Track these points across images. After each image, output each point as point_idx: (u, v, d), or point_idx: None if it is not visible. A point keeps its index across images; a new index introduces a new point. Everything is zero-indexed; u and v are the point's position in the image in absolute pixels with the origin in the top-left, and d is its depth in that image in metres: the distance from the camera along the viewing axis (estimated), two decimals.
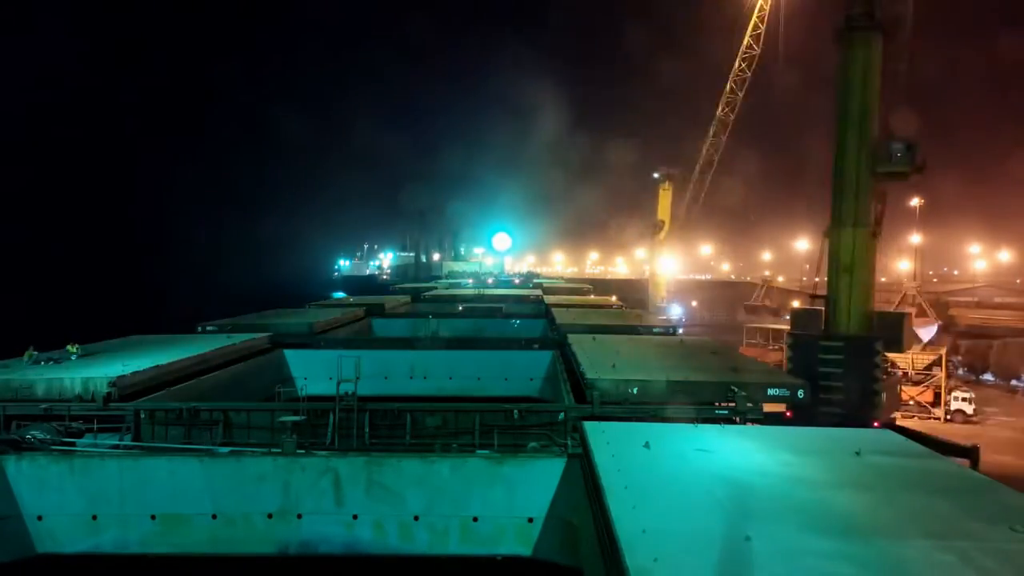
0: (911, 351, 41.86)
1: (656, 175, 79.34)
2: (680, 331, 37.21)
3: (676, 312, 67.05)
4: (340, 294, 73.35)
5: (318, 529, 14.27)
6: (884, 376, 32.55)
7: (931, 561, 8.09)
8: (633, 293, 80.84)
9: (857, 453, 12.32)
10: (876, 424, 28.17)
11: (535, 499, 14.18)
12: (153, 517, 14.25)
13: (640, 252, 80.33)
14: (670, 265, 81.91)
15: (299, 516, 14.29)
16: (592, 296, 59.15)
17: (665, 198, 78.69)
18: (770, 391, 17.96)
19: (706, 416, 16.26)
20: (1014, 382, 50.12)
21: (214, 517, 14.28)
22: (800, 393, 18.10)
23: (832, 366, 30.51)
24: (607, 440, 12.94)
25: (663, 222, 77.08)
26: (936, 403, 42.05)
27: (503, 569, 14.28)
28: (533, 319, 40.65)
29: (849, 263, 33.53)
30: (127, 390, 17.95)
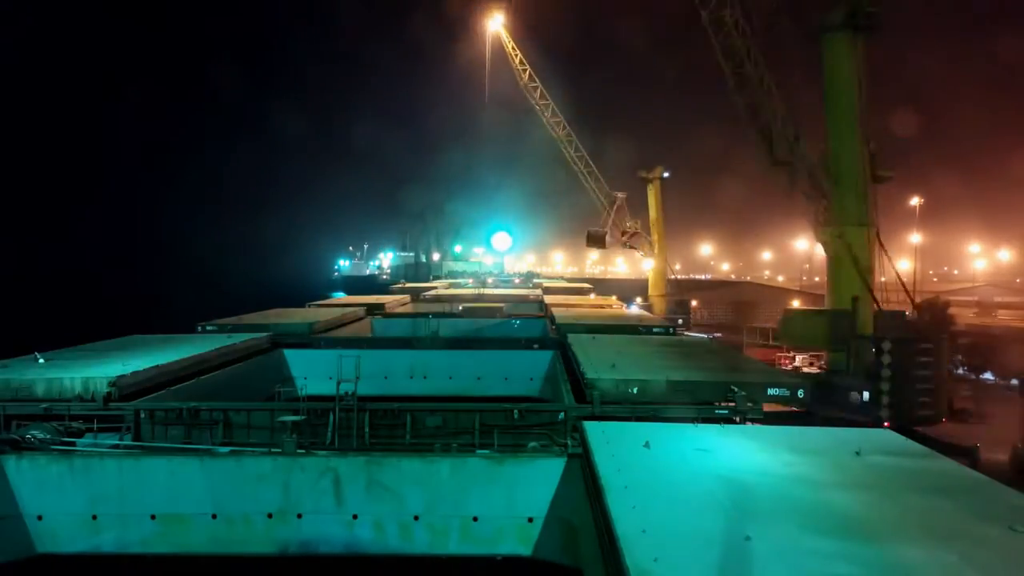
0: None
1: (641, 174, 79.30)
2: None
3: (634, 310, 66.03)
4: (340, 294, 73.35)
5: (318, 529, 14.27)
6: None
7: (931, 561, 8.08)
8: (633, 293, 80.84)
9: (857, 453, 12.33)
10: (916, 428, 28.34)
11: (535, 499, 14.16)
12: (153, 517, 14.24)
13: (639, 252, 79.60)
14: (649, 266, 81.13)
15: (299, 516, 14.28)
16: (592, 296, 59.16)
17: (652, 197, 78.62)
18: (770, 391, 17.94)
19: (706, 416, 16.25)
20: (1013, 381, 50.14)
21: (214, 517, 14.27)
22: (800, 393, 18.08)
23: (886, 367, 30.82)
24: (607, 440, 12.93)
25: (634, 224, 76.53)
26: None
27: (503, 569, 14.27)
28: (533, 319, 40.66)
29: (867, 263, 33.77)
30: (127, 390, 17.93)
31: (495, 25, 70.33)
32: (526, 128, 74.18)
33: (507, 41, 70.14)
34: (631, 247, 75.30)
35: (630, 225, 73.42)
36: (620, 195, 72.96)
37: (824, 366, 38.52)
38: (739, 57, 38.00)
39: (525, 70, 69.86)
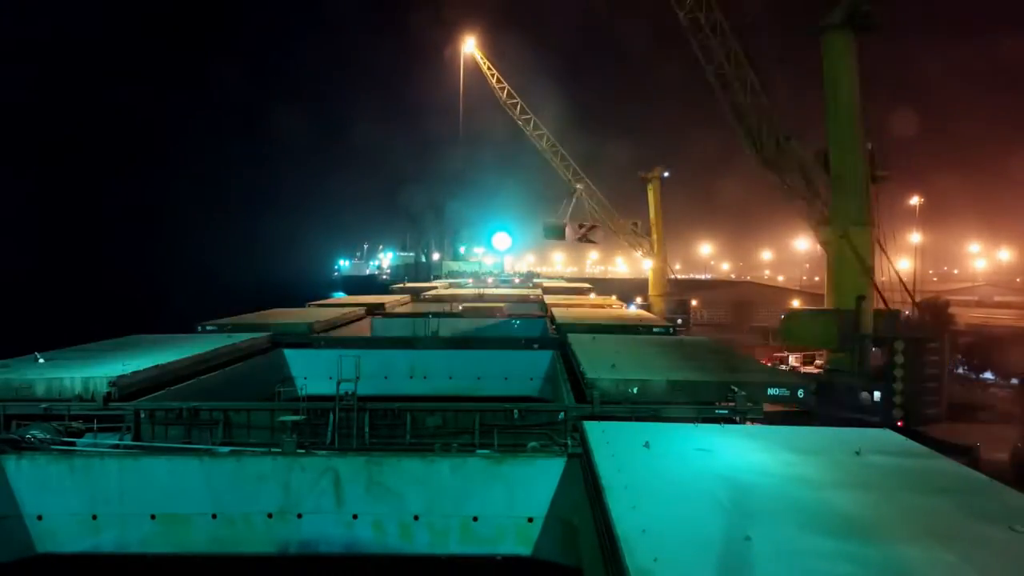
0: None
1: (641, 174, 79.54)
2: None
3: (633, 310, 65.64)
4: (340, 294, 73.38)
5: (318, 529, 14.27)
6: None
7: (931, 561, 8.09)
8: (633, 293, 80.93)
9: (857, 452, 12.32)
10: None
11: (535, 499, 14.17)
12: (153, 517, 14.24)
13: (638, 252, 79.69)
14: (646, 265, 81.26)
15: (299, 516, 14.29)
16: (592, 296, 59.15)
17: (652, 198, 78.71)
18: (770, 391, 17.93)
19: (706, 416, 16.24)
20: (1014, 380, 50.15)
21: (214, 517, 14.27)
22: (800, 393, 18.06)
23: (899, 367, 31.13)
24: (607, 440, 12.93)
25: (595, 225, 76.60)
26: None
27: (503, 569, 14.27)
28: (533, 319, 40.65)
29: (868, 263, 33.85)
30: (127, 390, 17.92)
31: (468, 48, 71.75)
32: (519, 135, 74.75)
33: (482, 62, 71.43)
34: (589, 240, 75.81)
35: (590, 220, 73.83)
36: (579, 186, 73.55)
37: (821, 366, 38.40)
38: (717, 57, 38.31)
39: (503, 88, 70.91)
